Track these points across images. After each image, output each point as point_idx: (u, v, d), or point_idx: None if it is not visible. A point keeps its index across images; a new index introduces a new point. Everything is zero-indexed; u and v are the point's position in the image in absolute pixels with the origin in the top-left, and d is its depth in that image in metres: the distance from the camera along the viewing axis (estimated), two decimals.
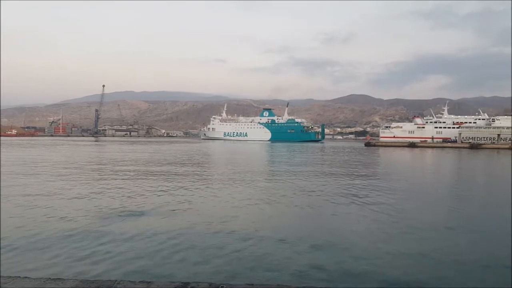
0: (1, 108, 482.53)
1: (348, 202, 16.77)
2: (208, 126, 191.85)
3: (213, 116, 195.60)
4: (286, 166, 36.31)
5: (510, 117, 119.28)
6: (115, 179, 24.13)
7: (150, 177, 25.57)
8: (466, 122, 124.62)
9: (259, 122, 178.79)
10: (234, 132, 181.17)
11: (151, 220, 13.12)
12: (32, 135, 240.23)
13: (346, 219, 13.79)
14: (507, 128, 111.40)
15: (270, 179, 25.86)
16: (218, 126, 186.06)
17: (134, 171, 29.88)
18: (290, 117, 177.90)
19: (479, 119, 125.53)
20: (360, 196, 18.47)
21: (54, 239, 10.65)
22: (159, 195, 18.18)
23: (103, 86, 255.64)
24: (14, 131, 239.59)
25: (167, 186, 21.23)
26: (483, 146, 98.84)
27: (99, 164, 36.39)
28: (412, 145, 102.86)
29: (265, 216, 14.08)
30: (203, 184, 22.35)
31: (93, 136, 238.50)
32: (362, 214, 14.48)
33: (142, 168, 32.70)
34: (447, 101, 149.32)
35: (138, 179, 24.60)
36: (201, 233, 11.51)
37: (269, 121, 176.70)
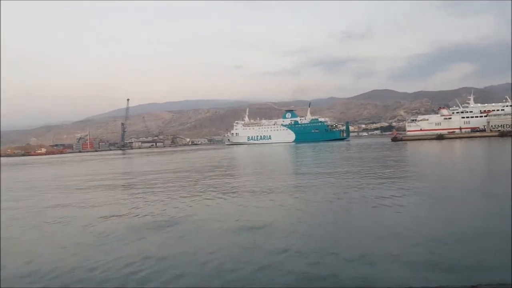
0: (31, 128, 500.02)
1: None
2: (232, 132, 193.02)
3: (236, 121, 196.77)
4: (320, 169, 36.65)
5: None
6: (150, 190, 24.69)
7: (182, 186, 26.07)
8: (494, 110, 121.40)
9: (282, 124, 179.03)
10: (257, 136, 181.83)
11: (189, 229, 13.08)
12: (61, 152, 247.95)
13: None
14: None
15: (306, 187, 24.78)
16: (242, 131, 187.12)
17: (165, 179, 30.76)
18: (313, 117, 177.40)
19: (507, 106, 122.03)
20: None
21: (91, 255, 10.61)
22: (203, 205, 18.15)
23: (128, 100, 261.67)
24: (43, 150, 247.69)
25: (206, 195, 21.30)
26: None
27: (132, 177, 37.59)
28: (440, 137, 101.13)
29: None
30: (235, 193, 22.35)
31: (120, 149, 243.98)
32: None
33: (173, 176, 33.60)
34: (473, 90, 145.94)
35: (170, 189, 25.11)
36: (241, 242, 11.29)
37: (292, 122, 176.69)
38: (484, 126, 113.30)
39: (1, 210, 19.08)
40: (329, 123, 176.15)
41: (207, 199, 19.46)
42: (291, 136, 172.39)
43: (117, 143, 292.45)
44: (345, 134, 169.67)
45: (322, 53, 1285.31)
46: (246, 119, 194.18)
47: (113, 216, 16.12)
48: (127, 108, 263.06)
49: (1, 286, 8.54)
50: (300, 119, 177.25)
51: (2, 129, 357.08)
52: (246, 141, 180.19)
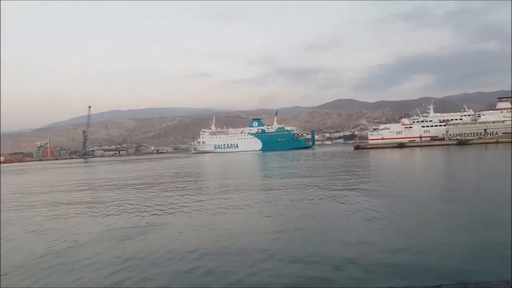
0: None
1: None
2: (198, 140, 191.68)
3: (203, 130, 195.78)
4: (297, 178, 36.85)
5: (495, 111, 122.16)
6: (117, 199, 24.18)
7: (150, 194, 25.66)
8: (453, 119, 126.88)
9: (249, 133, 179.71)
10: (224, 144, 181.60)
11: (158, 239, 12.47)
12: (20, 161, 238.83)
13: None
14: (493, 122, 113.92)
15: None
16: (208, 139, 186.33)
17: (135, 187, 30.24)
18: (279, 126, 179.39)
19: (465, 115, 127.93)
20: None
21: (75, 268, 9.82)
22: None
23: (89, 107, 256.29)
24: (1, 158, 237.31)
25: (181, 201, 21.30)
26: (471, 142, 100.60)
27: (94, 188, 36.65)
28: (401, 146, 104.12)
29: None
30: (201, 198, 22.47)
31: (82, 158, 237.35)
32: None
33: (139, 183, 33.02)
34: (432, 100, 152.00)
35: (137, 199, 25.01)
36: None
37: (259, 131, 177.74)
38: (443, 134, 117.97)
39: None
40: (295, 131, 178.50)
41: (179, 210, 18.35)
42: (258, 144, 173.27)
43: (78, 152, 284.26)
44: (310, 143, 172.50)
45: (287, 63, 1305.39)
46: (213, 127, 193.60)
47: (86, 225, 15.34)
48: (89, 116, 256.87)
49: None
50: (267, 128, 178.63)
51: None
52: (213, 149, 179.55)
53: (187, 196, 22.61)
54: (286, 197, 20.19)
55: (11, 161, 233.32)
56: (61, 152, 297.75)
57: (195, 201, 20.36)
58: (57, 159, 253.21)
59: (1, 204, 23.81)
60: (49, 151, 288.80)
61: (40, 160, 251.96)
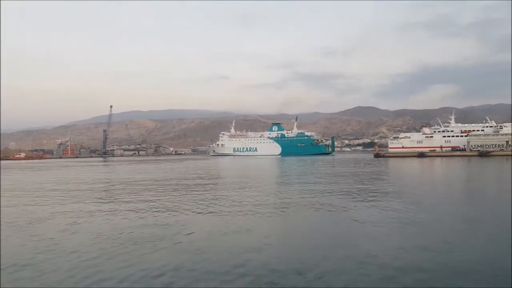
0: (10, 132, 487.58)
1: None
2: (217, 142, 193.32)
3: (222, 132, 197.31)
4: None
5: None
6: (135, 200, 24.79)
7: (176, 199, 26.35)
8: (474, 130, 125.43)
9: (268, 137, 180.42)
10: (243, 148, 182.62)
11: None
12: (41, 158, 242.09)
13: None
14: None
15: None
16: (227, 142, 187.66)
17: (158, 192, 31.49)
18: (299, 131, 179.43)
19: (487, 126, 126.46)
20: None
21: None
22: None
23: (111, 106, 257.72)
24: (22, 154, 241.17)
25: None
26: (492, 153, 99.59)
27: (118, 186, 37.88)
28: (421, 155, 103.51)
29: None
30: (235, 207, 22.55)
31: (101, 157, 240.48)
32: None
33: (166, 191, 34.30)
34: (454, 110, 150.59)
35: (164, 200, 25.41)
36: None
37: (279, 135, 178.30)
38: (464, 145, 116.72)
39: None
40: (315, 137, 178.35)
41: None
42: (277, 149, 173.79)
43: (98, 150, 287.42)
44: (330, 149, 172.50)
45: (307, 68, 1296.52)
46: (232, 130, 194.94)
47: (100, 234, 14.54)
48: (110, 115, 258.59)
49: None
50: (287, 133, 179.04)
51: None
52: (232, 152, 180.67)
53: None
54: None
55: (32, 158, 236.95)
56: (81, 150, 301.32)
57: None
58: (77, 157, 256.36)
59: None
60: (69, 149, 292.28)
61: (60, 157, 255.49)
